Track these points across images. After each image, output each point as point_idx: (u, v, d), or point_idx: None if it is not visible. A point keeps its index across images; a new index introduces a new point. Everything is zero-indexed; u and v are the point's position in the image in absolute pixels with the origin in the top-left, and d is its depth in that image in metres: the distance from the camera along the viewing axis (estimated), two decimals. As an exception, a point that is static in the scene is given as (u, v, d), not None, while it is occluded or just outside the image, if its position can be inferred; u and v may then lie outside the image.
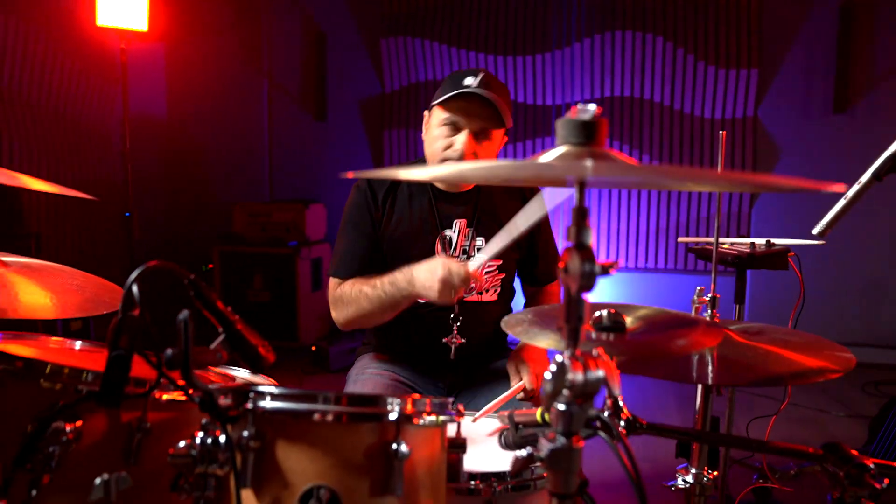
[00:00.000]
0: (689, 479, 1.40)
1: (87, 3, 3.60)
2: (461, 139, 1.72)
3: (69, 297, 1.29)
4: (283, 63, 5.29)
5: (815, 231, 1.50)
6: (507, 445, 1.06)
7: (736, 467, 2.74)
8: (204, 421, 0.91)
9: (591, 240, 0.76)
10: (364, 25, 5.11)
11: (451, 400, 1.04)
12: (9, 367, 1.08)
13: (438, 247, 1.83)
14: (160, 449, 0.96)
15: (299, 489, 0.89)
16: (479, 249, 1.84)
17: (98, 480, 0.88)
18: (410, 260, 1.67)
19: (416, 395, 0.98)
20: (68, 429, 1.02)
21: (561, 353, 0.80)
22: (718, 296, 1.36)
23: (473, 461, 1.29)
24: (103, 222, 4.41)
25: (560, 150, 0.80)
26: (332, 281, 1.86)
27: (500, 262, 1.87)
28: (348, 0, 5.11)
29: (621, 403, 1.01)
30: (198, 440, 0.90)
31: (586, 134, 0.79)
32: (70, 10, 3.98)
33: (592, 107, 0.79)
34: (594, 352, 0.80)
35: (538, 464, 0.98)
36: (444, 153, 1.74)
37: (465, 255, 1.85)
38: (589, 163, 0.75)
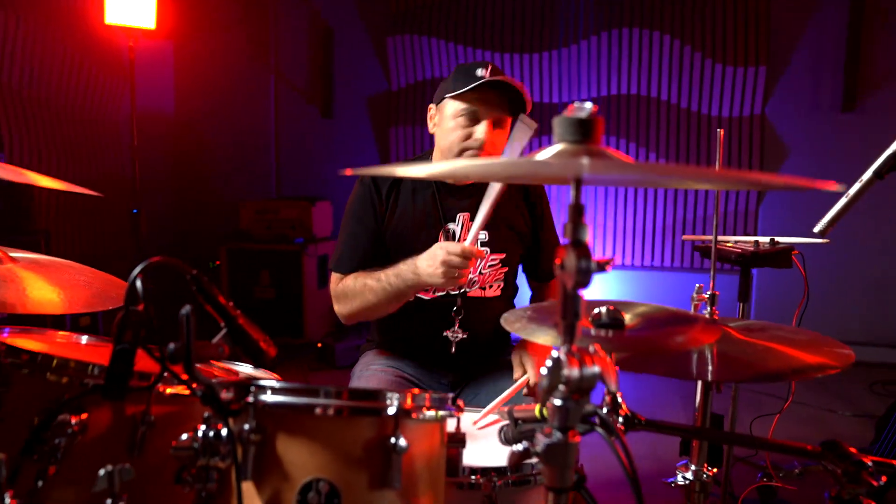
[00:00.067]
0: (689, 475, 1.41)
1: (96, 2, 3.62)
2: (482, 129, 1.73)
3: (77, 293, 1.30)
4: (290, 59, 5.30)
5: (816, 229, 1.50)
6: (507, 441, 1.07)
7: (740, 465, 2.74)
8: (206, 414, 0.93)
9: (588, 237, 0.77)
10: (371, 22, 5.12)
11: (450, 395, 1.05)
12: (16, 361, 1.10)
13: (442, 240, 1.82)
14: (163, 442, 0.98)
15: (299, 482, 0.91)
16: (482, 243, 1.85)
17: (102, 472, 0.89)
18: (414, 253, 1.68)
19: (416, 391, 0.99)
20: (74, 421, 1.04)
21: (557, 348, 0.80)
22: (718, 293, 1.37)
23: (474, 456, 1.30)
24: (111, 219, 4.44)
25: (557, 147, 0.81)
26: (335, 275, 1.86)
27: (503, 255, 1.87)
28: (355, -3, 5.14)
29: (620, 400, 1.02)
30: (200, 433, 0.91)
31: (583, 132, 0.80)
32: (78, 9, 4.00)
33: (589, 105, 0.79)
34: (591, 348, 0.80)
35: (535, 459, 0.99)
36: (464, 143, 1.74)
37: None
38: (585, 161, 0.75)
